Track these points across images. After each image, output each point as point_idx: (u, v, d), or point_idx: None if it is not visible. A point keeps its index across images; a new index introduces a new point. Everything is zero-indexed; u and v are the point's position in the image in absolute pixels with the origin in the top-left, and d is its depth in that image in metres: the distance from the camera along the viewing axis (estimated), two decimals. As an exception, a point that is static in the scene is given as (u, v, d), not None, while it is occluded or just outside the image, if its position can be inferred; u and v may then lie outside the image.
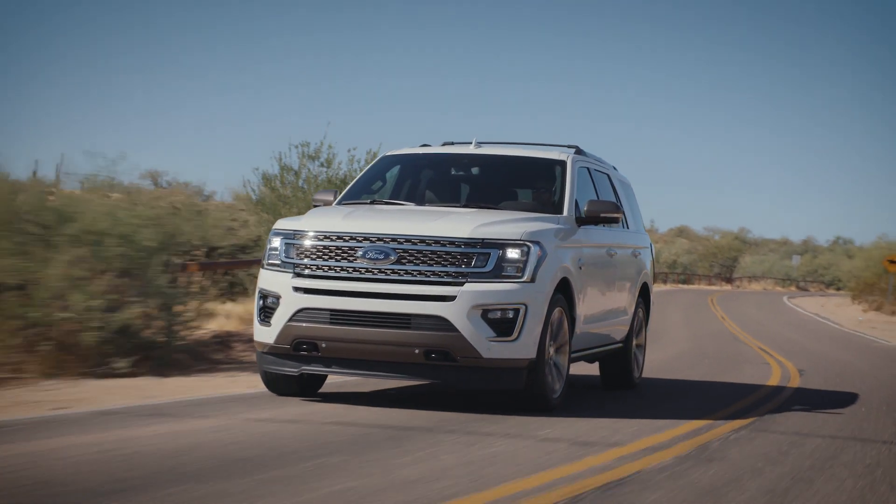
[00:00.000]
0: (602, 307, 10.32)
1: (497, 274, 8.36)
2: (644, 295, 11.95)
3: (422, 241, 8.38)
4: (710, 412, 9.59)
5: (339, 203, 9.88)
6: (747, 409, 10.13)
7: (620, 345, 11.27)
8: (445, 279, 8.31)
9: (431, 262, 8.34)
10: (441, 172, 10.52)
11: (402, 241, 8.40)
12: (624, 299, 11.12)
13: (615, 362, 11.43)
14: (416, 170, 10.55)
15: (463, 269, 8.32)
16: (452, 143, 10.97)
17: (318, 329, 8.45)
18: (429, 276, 8.32)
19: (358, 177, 10.36)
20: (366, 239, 8.46)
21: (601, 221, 9.76)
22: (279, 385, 9.18)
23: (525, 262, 8.43)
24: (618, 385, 11.55)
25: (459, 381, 8.42)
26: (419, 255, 8.36)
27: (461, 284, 8.29)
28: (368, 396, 9.58)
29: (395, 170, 10.54)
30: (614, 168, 12.09)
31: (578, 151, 10.71)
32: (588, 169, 10.63)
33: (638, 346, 11.87)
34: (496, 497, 5.44)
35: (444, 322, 8.24)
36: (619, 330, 11.08)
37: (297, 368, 8.69)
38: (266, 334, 8.69)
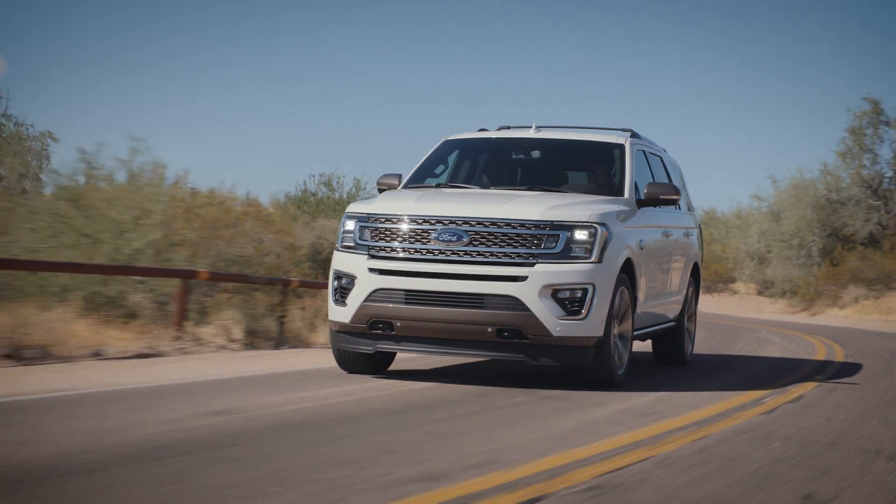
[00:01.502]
0: (659, 287, 10.60)
1: (566, 255, 8.65)
2: (695, 274, 12.23)
3: (493, 224, 8.67)
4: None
5: (405, 187, 10.17)
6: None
7: (674, 323, 11.56)
8: (517, 260, 8.60)
9: (503, 244, 8.63)
10: (502, 156, 10.81)
11: (473, 223, 8.70)
12: (678, 279, 11.40)
13: (669, 340, 11.73)
14: (476, 153, 10.84)
15: (533, 250, 8.61)
16: (509, 128, 11.24)
17: (394, 309, 8.75)
18: (500, 258, 8.62)
19: (421, 161, 10.63)
20: (439, 221, 8.75)
21: (660, 203, 10.04)
22: (351, 363, 9.50)
23: (593, 244, 8.71)
24: (671, 362, 11.85)
25: (530, 358, 8.72)
26: (491, 237, 8.65)
27: (532, 265, 8.58)
28: (443, 373, 9.89)
29: (456, 153, 10.84)
30: (664, 150, 12.35)
31: (634, 135, 10.98)
32: (644, 152, 10.90)
33: (689, 324, 12.16)
34: (587, 455, 5.75)
35: (515, 301, 8.53)
36: (673, 309, 11.37)
37: (373, 347, 9.00)
38: (342, 314, 9.00)
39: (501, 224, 8.67)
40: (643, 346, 12.59)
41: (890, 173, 36.79)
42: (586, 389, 8.93)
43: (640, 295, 9.72)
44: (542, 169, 10.57)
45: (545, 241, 8.64)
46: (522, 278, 8.55)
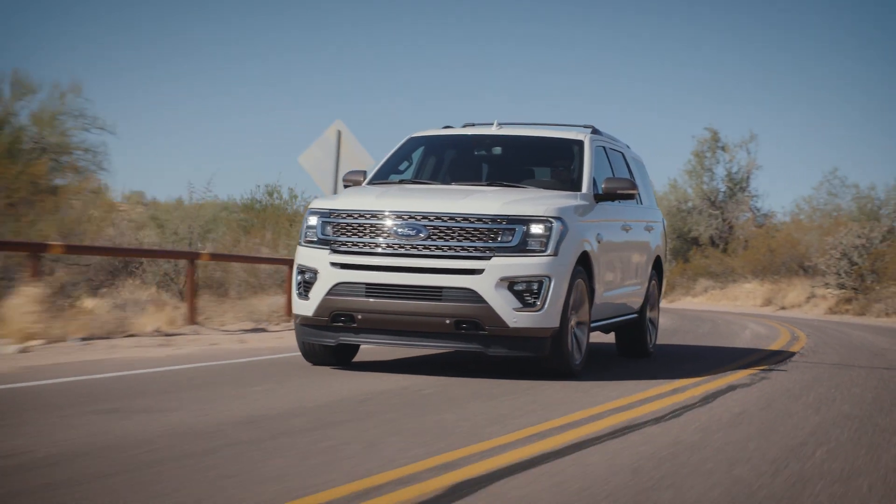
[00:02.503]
0: (619, 279, 10.85)
1: (522, 248, 8.89)
2: (657, 267, 12.49)
3: (451, 218, 8.91)
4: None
5: (369, 183, 10.41)
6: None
7: (636, 315, 11.81)
8: (474, 254, 8.84)
9: (461, 238, 8.88)
10: (465, 152, 11.07)
11: (432, 218, 8.93)
12: (639, 272, 11.66)
13: (631, 332, 11.98)
14: (441, 150, 11.09)
15: (490, 243, 8.85)
16: (473, 125, 11.49)
17: (355, 302, 9.00)
18: (458, 251, 8.86)
19: (386, 158, 10.88)
20: (398, 216, 8.99)
21: (618, 198, 10.29)
22: (316, 355, 9.74)
23: (548, 237, 8.96)
24: (633, 354, 12.10)
25: (488, 349, 8.96)
26: (449, 231, 8.89)
27: (489, 258, 8.82)
28: (402, 365, 10.13)
29: (420, 150, 11.08)
30: (627, 146, 12.61)
31: (595, 131, 11.23)
32: (604, 147, 11.15)
33: (652, 316, 12.42)
34: (556, 424, 5.99)
35: (473, 294, 8.78)
36: (634, 301, 11.62)
37: (335, 339, 9.24)
38: (305, 307, 9.24)
39: (459, 218, 8.91)
40: (608, 338, 12.84)
41: (724, 188, 47.75)
42: (545, 379, 9.17)
43: (598, 287, 9.97)
44: (503, 165, 10.82)
45: (502, 234, 8.88)
46: (479, 271, 8.79)
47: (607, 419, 7.06)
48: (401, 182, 10.38)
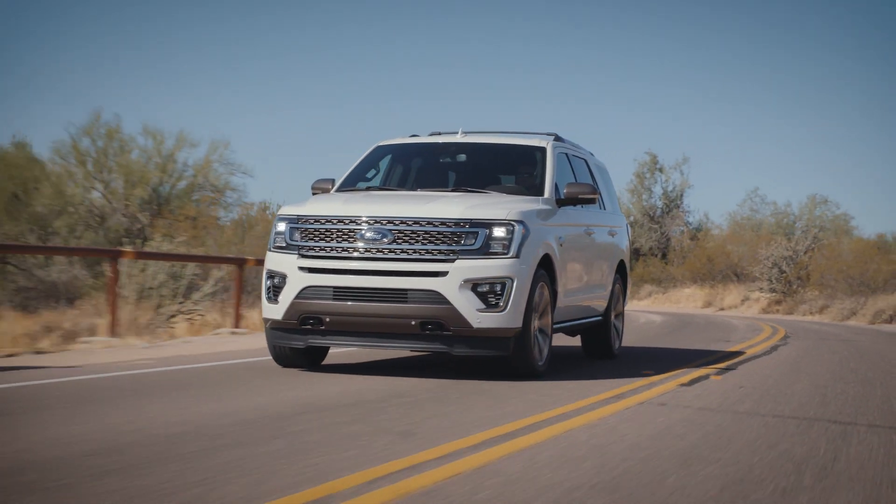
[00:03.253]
0: (582, 282, 11.13)
1: (485, 251, 9.16)
2: (621, 271, 12.78)
3: (416, 223, 9.18)
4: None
5: (337, 191, 10.67)
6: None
7: (600, 318, 12.10)
8: (438, 256, 9.10)
9: (425, 241, 9.14)
10: (430, 160, 11.34)
11: (397, 222, 9.20)
12: (602, 275, 11.94)
13: (596, 334, 12.26)
14: (407, 158, 11.37)
15: (454, 246, 9.12)
16: (440, 133, 11.76)
17: (323, 305, 9.24)
18: (423, 254, 9.12)
19: (353, 166, 11.14)
20: (365, 221, 9.25)
21: (579, 202, 10.57)
22: (286, 358, 9.97)
23: (510, 240, 9.22)
24: (599, 355, 12.38)
25: (453, 350, 9.21)
26: (414, 235, 9.16)
27: (452, 261, 9.08)
28: (377, 367, 10.37)
29: (388, 158, 11.36)
30: (591, 154, 12.91)
31: (557, 138, 11.53)
32: (566, 154, 11.44)
33: (616, 318, 12.70)
34: (524, 424, 6.25)
35: (437, 295, 9.04)
36: (598, 304, 11.90)
37: (304, 342, 9.48)
38: (274, 311, 9.47)
39: (423, 222, 9.17)
40: (576, 340, 13.12)
41: (661, 205, 53.75)
42: (508, 379, 9.43)
43: (561, 289, 10.24)
44: (468, 171, 11.09)
45: (465, 237, 9.14)
46: (443, 273, 9.05)
47: (560, 423, 7.31)
48: (367, 189, 10.64)
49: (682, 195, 54.15)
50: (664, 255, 52.00)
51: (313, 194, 10.82)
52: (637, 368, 11.14)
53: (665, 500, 4.83)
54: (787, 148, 72.05)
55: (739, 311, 40.64)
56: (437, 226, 9.16)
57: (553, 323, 10.17)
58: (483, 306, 9.08)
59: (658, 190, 54.22)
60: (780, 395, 9.04)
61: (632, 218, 53.81)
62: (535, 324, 9.63)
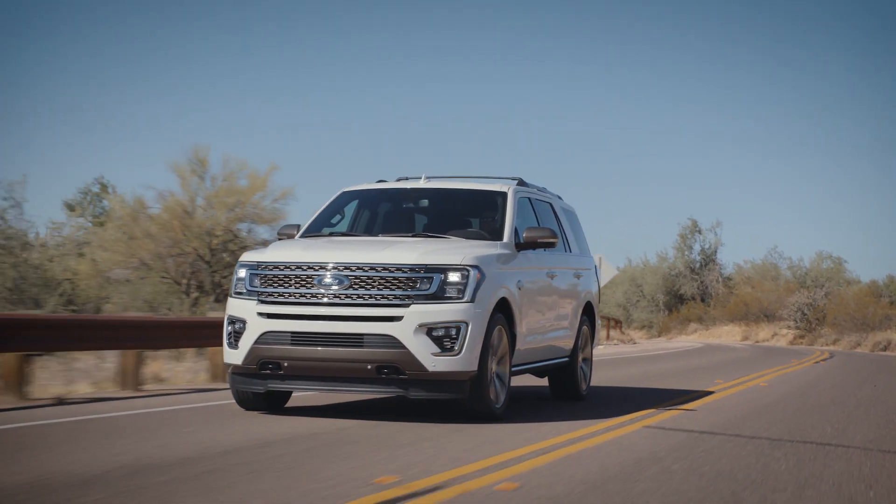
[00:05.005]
0: (544, 324, 11.28)
1: (440, 295, 9.33)
2: (588, 313, 12.91)
3: (371, 268, 9.36)
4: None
5: (301, 236, 10.86)
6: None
7: (567, 359, 12.23)
8: (394, 301, 9.28)
9: (381, 287, 9.32)
10: (394, 205, 11.56)
11: (354, 268, 9.38)
12: (567, 317, 12.08)
13: (562, 375, 12.39)
14: (371, 204, 11.58)
15: (409, 291, 9.29)
16: (407, 178, 11.95)
17: (281, 350, 9.42)
18: (378, 300, 9.30)
19: (318, 211, 11.34)
20: (322, 267, 9.44)
21: (538, 246, 10.73)
22: (249, 402, 10.13)
23: (465, 285, 9.40)
24: (566, 396, 12.50)
25: (409, 393, 9.37)
26: (370, 280, 9.34)
27: (407, 306, 9.26)
28: (337, 409, 10.53)
29: (354, 204, 11.56)
30: (559, 197, 13.09)
31: (521, 183, 11.73)
32: (529, 199, 11.63)
33: (584, 360, 12.81)
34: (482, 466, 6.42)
35: (392, 340, 9.21)
36: (563, 345, 12.04)
37: (264, 386, 9.65)
38: (235, 356, 9.65)
39: (379, 268, 9.35)
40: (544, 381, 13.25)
41: (699, 259, 67.15)
42: (466, 422, 9.57)
43: (521, 332, 10.39)
44: (431, 217, 11.30)
45: (420, 282, 9.32)
46: (398, 318, 9.23)
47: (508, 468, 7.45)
48: (331, 235, 10.83)
49: (716, 251, 67.42)
50: (703, 299, 64.83)
51: (279, 239, 11.02)
52: (599, 410, 11.26)
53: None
54: (799, 210, 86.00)
55: (771, 343, 51.24)
56: (392, 271, 9.34)
57: (513, 365, 10.32)
58: (438, 350, 9.24)
59: (697, 247, 67.59)
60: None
61: (676, 270, 66.59)
62: (493, 367, 9.78)
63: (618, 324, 52.56)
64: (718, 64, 78.60)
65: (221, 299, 25.15)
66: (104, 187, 34.55)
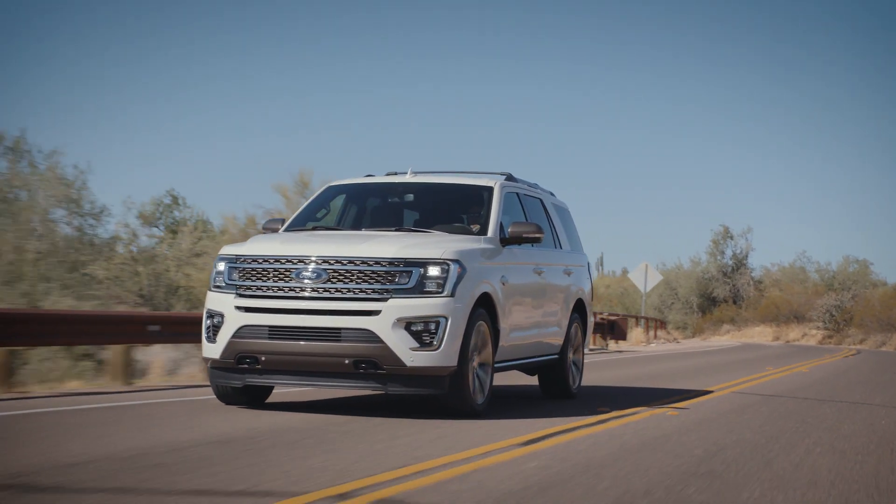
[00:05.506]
0: (531, 321, 11.14)
1: (419, 290, 9.21)
2: (580, 310, 12.76)
3: (350, 262, 9.25)
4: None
5: (286, 230, 10.77)
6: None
7: (556, 356, 12.09)
8: (372, 295, 9.17)
9: (359, 281, 9.21)
10: (380, 200, 11.44)
11: (332, 262, 9.28)
12: (556, 314, 11.93)
13: (552, 373, 12.26)
14: (357, 198, 11.47)
15: (388, 286, 9.18)
16: (396, 174, 11.85)
17: (258, 344, 9.31)
18: (357, 293, 9.19)
19: (304, 206, 11.24)
20: (300, 261, 9.34)
21: (524, 241, 10.61)
22: (229, 396, 10.04)
23: (445, 279, 9.28)
24: (556, 395, 12.36)
25: (387, 388, 9.26)
26: (348, 274, 9.23)
27: (386, 300, 9.15)
28: (315, 405, 10.43)
29: (340, 199, 11.46)
30: (551, 193, 12.96)
31: (510, 178, 11.60)
32: (517, 194, 11.50)
33: (575, 358, 12.68)
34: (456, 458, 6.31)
35: (370, 334, 9.09)
36: (552, 342, 11.89)
37: (242, 380, 9.55)
38: (213, 350, 9.56)
39: (358, 262, 9.25)
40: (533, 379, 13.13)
41: (731, 263, 69.92)
42: (447, 418, 9.45)
43: (504, 328, 10.26)
44: (416, 211, 11.18)
45: (399, 276, 9.20)
46: (376, 312, 9.11)
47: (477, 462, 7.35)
48: (314, 229, 10.73)
49: (747, 256, 70.48)
50: (735, 302, 67.83)
51: (263, 232, 10.93)
52: (588, 407, 11.13)
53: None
54: (826, 215, 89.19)
55: (801, 342, 54.05)
56: (371, 265, 9.23)
57: (497, 362, 10.20)
58: (417, 345, 9.12)
59: (728, 252, 70.53)
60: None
61: (708, 274, 69.14)
62: (474, 363, 9.66)
63: (662, 324, 55.52)
64: (745, 71, 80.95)
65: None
66: (175, 199, 36.92)
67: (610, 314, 37.04)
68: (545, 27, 76.69)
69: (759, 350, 36.34)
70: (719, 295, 68.64)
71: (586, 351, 13.13)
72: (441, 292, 9.25)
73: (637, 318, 45.40)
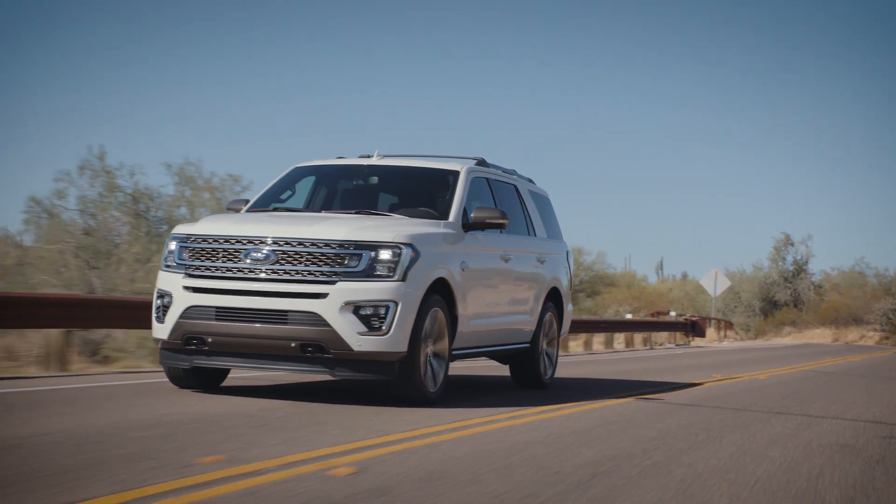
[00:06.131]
0: (495, 307, 10.92)
1: (369, 273, 9.03)
2: (555, 299, 12.54)
3: (300, 244, 9.08)
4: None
5: (247, 210, 10.62)
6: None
7: (527, 345, 11.88)
8: (320, 278, 8.99)
9: (308, 263, 9.04)
10: (344, 182, 11.27)
11: (282, 243, 9.11)
12: (527, 301, 11.71)
13: (523, 362, 12.05)
14: (324, 180, 11.30)
15: (336, 268, 9.00)
16: (369, 157, 11.66)
17: (205, 325, 9.16)
18: (305, 276, 9.01)
19: (267, 186, 11.08)
20: (250, 241, 9.17)
21: (488, 227, 10.39)
22: (181, 379, 9.89)
23: (396, 263, 9.08)
24: (528, 384, 12.15)
25: (334, 373, 9.09)
26: (297, 255, 9.06)
27: (334, 283, 8.97)
28: (270, 390, 10.29)
29: (305, 180, 11.30)
30: (529, 180, 12.73)
31: (481, 163, 11.39)
32: (487, 179, 11.29)
33: (549, 347, 12.46)
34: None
35: (316, 317, 8.92)
36: (521, 331, 11.67)
37: (189, 362, 9.40)
38: (161, 331, 9.41)
39: (308, 244, 9.07)
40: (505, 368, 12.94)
41: (792, 269, 71.75)
42: (397, 406, 9.27)
43: (464, 315, 10.06)
44: (379, 194, 11.00)
45: (349, 259, 9.02)
46: (324, 295, 8.94)
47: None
48: (274, 209, 10.57)
49: (807, 262, 72.57)
50: (796, 305, 70.53)
51: (227, 211, 10.79)
52: (546, 397, 10.93)
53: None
54: (885, 221, 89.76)
55: (860, 343, 57.24)
56: (320, 247, 9.06)
57: (455, 349, 10.02)
58: (365, 329, 8.95)
59: (790, 258, 72.81)
60: None
61: (770, 279, 70.41)
62: (429, 349, 9.47)
63: (730, 325, 59.27)
64: (809, 80, 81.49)
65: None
66: None
67: (691, 315, 42.82)
68: (614, 36, 76.83)
69: (823, 347, 40.78)
70: (780, 299, 70.94)
71: (617, 346, 12.88)
72: (392, 276, 9.06)
73: (708, 319, 48.36)
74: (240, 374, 11.50)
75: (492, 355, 11.41)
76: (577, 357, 22.65)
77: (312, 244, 9.07)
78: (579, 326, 26.44)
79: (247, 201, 10.86)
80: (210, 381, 10.03)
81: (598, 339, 29.47)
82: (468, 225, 10.32)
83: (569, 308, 13.18)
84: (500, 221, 10.36)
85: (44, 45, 51.46)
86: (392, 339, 9.02)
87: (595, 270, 56.06)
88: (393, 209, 10.53)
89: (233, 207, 10.81)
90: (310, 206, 11.04)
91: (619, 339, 31.12)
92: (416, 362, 9.26)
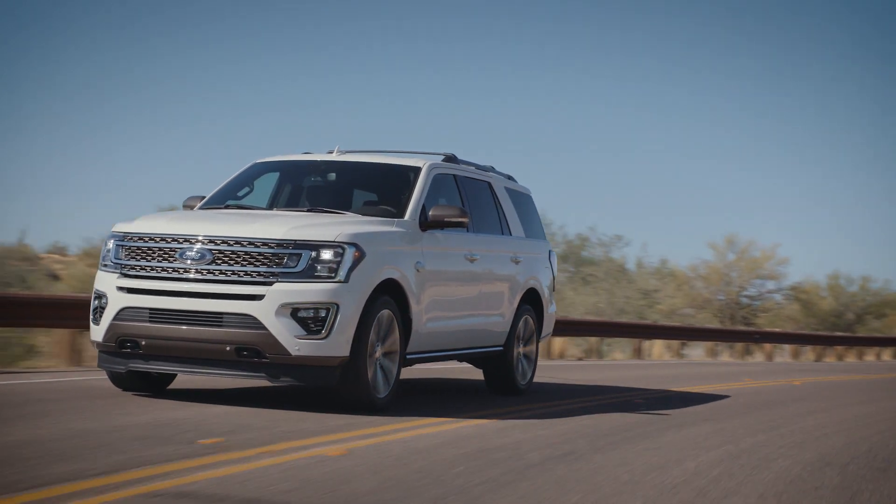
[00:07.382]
0: (458, 309, 10.44)
1: (309, 274, 8.60)
2: (532, 301, 12.02)
3: (237, 243, 8.67)
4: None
5: (200, 208, 10.24)
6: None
7: (500, 348, 11.38)
8: (257, 279, 8.58)
9: (244, 263, 8.62)
10: (302, 178, 10.86)
11: (218, 242, 8.70)
12: (496, 303, 11.19)
13: (497, 366, 11.56)
14: (287, 177, 10.91)
15: (274, 269, 8.58)
16: (333, 152, 11.22)
17: (139, 327, 8.77)
18: (241, 276, 8.60)
19: (224, 182, 10.68)
20: (186, 240, 8.77)
21: (447, 225, 9.91)
22: (124, 381, 9.53)
23: (339, 263, 8.65)
24: (502, 390, 11.65)
25: (271, 378, 8.67)
26: (233, 255, 8.65)
27: (271, 284, 8.55)
28: (213, 395, 9.90)
29: (268, 176, 10.90)
30: (509, 177, 12.24)
31: (449, 159, 10.94)
32: (455, 176, 10.82)
33: (526, 352, 11.95)
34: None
35: (252, 320, 8.51)
36: (493, 333, 11.17)
37: (125, 365, 9.02)
38: (97, 333, 9.05)
39: (245, 243, 8.66)
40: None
41: None
42: (342, 412, 8.86)
43: (419, 317, 9.60)
44: (335, 191, 10.60)
45: (287, 259, 8.61)
46: (259, 297, 8.53)
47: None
48: (226, 206, 10.18)
49: None
50: None
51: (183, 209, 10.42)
52: (509, 403, 10.45)
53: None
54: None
55: None
56: (258, 246, 8.65)
57: (409, 352, 9.57)
58: (303, 333, 8.53)
59: None
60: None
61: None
62: (375, 353, 9.03)
63: None
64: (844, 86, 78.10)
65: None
66: (583, 239, 44.25)
67: None
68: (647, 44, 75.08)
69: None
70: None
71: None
72: (333, 277, 8.63)
73: None
74: (188, 377, 11.10)
75: (461, 358, 10.95)
76: None
77: (250, 243, 8.67)
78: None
79: (202, 198, 10.48)
80: (156, 385, 9.67)
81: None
82: (426, 223, 9.86)
83: (551, 310, 12.66)
84: (460, 220, 9.89)
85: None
86: (332, 343, 8.60)
87: (882, 295, 55.96)
88: (350, 207, 10.11)
89: (188, 204, 10.45)
90: (274, 204, 10.66)
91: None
92: (360, 367, 8.82)
